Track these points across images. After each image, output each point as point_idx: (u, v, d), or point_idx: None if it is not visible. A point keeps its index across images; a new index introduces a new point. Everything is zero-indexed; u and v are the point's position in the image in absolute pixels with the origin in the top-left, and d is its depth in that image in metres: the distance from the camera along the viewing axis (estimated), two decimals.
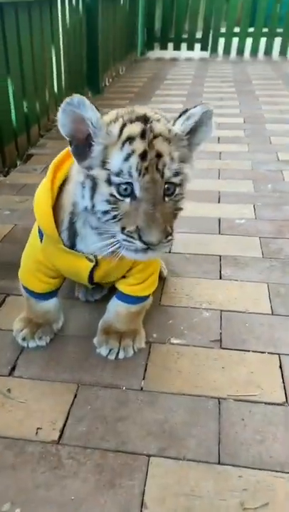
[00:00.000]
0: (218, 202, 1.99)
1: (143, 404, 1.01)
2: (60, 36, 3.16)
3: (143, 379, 1.08)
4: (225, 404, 1.01)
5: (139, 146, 0.80)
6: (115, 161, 0.81)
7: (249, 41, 6.24)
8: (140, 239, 0.81)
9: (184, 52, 6.41)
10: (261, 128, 3.02)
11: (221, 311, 1.31)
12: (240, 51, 6.32)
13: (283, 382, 1.07)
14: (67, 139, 0.85)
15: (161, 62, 5.97)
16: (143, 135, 0.81)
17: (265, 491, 0.83)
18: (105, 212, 0.84)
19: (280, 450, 0.91)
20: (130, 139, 0.80)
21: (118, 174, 0.81)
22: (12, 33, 2.35)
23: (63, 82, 3.30)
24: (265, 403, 1.01)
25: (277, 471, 0.87)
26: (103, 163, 0.82)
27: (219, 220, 1.83)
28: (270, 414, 0.98)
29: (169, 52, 6.48)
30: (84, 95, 0.82)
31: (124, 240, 0.83)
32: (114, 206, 0.82)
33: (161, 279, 1.43)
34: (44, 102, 2.92)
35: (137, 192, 0.81)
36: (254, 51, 6.31)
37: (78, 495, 0.83)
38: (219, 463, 0.89)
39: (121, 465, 0.88)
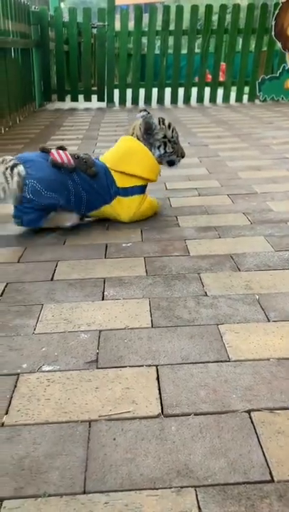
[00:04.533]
0: (107, 229, 1.97)
1: (1, 441, 0.88)
2: None
3: (6, 414, 0.95)
4: (96, 427, 0.91)
5: None
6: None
7: (142, 92, 6.66)
8: None
9: (82, 103, 6.64)
10: None
11: (100, 331, 1.24)
12: (135, 101, 6.71)
13: (160, 393, 1.00)
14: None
15: (60, 112, 6.10)
16: None
17: None
18: None
19: (151, 465, 0.82)
20: None
21: None
22: None
23: None
24: (140, 418, 0.93)
25: (147, 489, 0.78)
26: None
27: (106, 246, 1.79)
28: (143, 429, 0.90)
29: (68, 104, 6.68)
30: None
31: None
32: None
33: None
34: None
35: None
36: (148, 100, 6.73)
37: None
38: (84, 492, 0.78)
39: None
